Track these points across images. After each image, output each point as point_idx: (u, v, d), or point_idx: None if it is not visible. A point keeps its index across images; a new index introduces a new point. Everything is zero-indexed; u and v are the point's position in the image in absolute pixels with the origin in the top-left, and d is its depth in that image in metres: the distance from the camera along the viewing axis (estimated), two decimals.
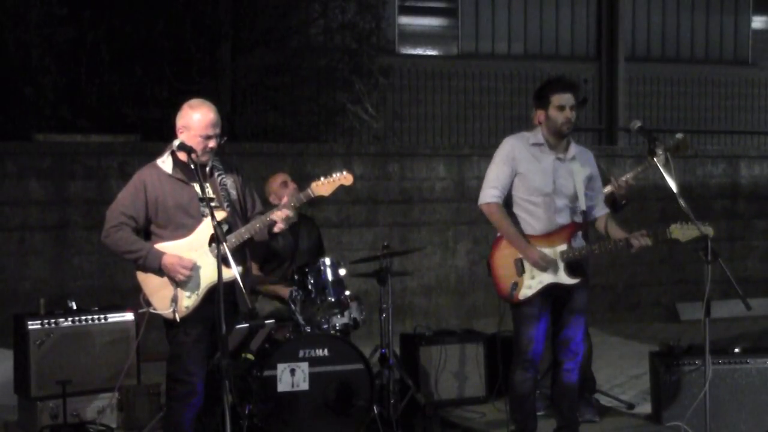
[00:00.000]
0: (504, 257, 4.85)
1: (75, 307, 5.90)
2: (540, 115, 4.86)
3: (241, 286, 4.16)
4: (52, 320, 5.70)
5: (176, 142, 4.39)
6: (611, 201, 5.63)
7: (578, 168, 4.86)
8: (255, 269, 5.41)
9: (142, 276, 4.45)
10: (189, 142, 4.37)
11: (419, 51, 13.39)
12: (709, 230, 4.59)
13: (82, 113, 9.92)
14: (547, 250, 4.77)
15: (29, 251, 8.27)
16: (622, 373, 7.41)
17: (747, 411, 5.58)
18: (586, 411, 5.80)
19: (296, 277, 5.74)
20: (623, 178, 5.76)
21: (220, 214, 4.32)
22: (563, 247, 4.78)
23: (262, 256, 5.83)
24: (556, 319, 4.92)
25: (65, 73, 9.93)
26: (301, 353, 5.26)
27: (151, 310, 4.44)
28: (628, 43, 14.21)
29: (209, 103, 4.52)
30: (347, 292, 5.83)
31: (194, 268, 4.37)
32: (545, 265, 4.74)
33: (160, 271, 4.36)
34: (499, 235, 4.91)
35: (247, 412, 5.15)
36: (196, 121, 4.41)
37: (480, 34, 13.65)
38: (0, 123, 9.42)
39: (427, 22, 13.64)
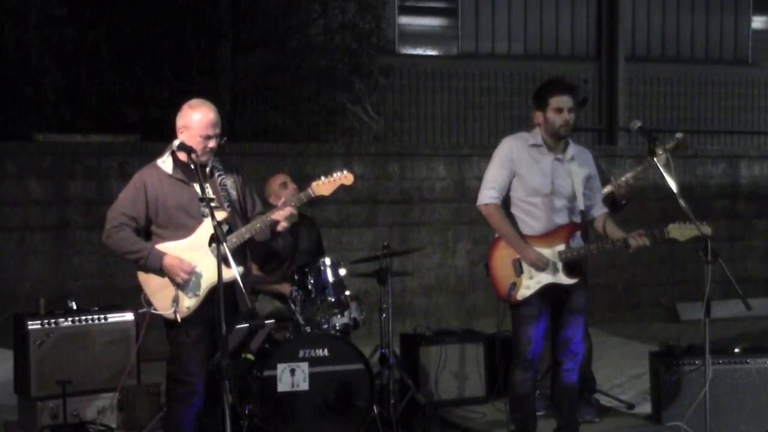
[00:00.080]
0: (502, 258, 4.85)
1: (75, 307, 5.90)
2: (538, 116, 4.86)
3: (242, 286, 4.16)
4: (52, 320, 5.70)
5: (176, 142, 4.39)
6: (611, 201, 5.64)
7: (577, 168, 4.86)
8: (255, 269, 5.41)
9: (143, 276, 4.45)
10: (189, 142, 4.37)
11: (419, 51, 13.37)
12: (707, 230, 4.59)
13: (82, 113, 9.92)
14: (546, 251, 4.77)
15: (29, 251, 8.26)
16: (622, 373, 7.40)
17: (747, 411, 5.57)
18: (586, 411, 5.80)
19: (296, 277, 5.74)
20: (623, 178, 5.76)
21: (220, 215, 4.33)
22: (561, 247, 4.78)
23: (262, 257, 5.83)
24: (556, 320, 4.92)
25: (65, 73, 9.92)
26: (301, 353, 5.26)
27: (152, 311, 4.44)
28: (628, 43, 14.20)
29: (209, 103, 4.52)
30: (347, 292, 5.83)
31: (195, 270, 4.37)
32: (542, 265, 4.74)
33: (161, 272, 4.36)
34: (497, 235, 4.91)
35: (247, 412, 5.15)
36: (196, 121, 4.41)
37: (480, 34, 13.63)
38: (0, 123, 9.42)
39: (427, 22, 13.62)
